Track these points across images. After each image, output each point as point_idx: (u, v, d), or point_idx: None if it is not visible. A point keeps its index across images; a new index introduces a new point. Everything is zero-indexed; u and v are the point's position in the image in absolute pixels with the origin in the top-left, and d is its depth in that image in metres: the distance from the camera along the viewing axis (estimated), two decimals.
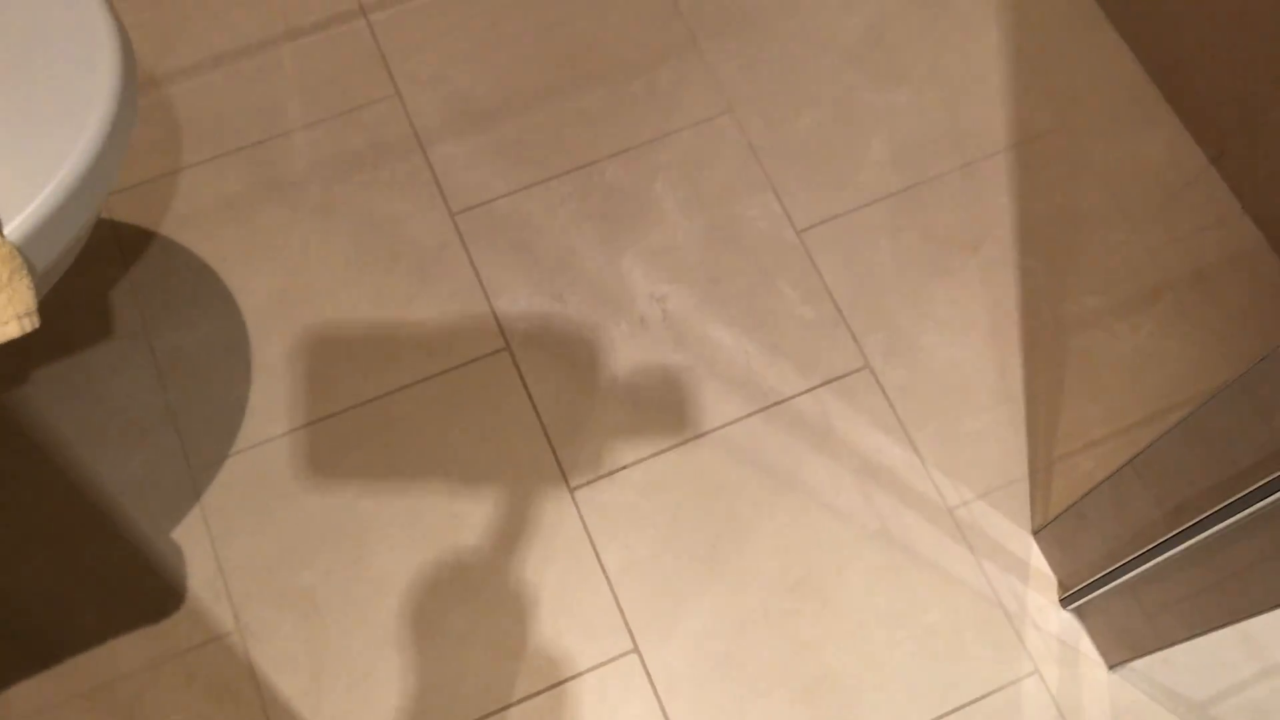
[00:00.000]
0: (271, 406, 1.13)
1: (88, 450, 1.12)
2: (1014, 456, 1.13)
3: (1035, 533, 1.10)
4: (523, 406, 1.14)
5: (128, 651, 1.04)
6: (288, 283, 1.19)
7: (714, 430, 1.14)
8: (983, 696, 1.05)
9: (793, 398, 1.15)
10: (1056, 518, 1.06)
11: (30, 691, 1.03)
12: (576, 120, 1.27)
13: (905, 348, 1.17)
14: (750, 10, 1.32)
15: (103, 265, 1.19)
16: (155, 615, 1.06)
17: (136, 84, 0.77)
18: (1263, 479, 0.73)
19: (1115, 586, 0.99)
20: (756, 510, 1.11)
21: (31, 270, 0.68)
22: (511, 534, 1.09)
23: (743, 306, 1.19)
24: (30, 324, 0.65)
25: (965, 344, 1.17)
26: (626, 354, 1.17)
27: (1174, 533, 0.85)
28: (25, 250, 0.68)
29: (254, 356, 1.16)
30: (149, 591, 1.06)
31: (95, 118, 0.71)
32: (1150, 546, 0.89)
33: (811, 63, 1.30)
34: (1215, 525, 0.80)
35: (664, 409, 1.14)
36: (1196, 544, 0.85)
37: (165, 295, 1.18)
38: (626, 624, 1.06)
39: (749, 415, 1.14)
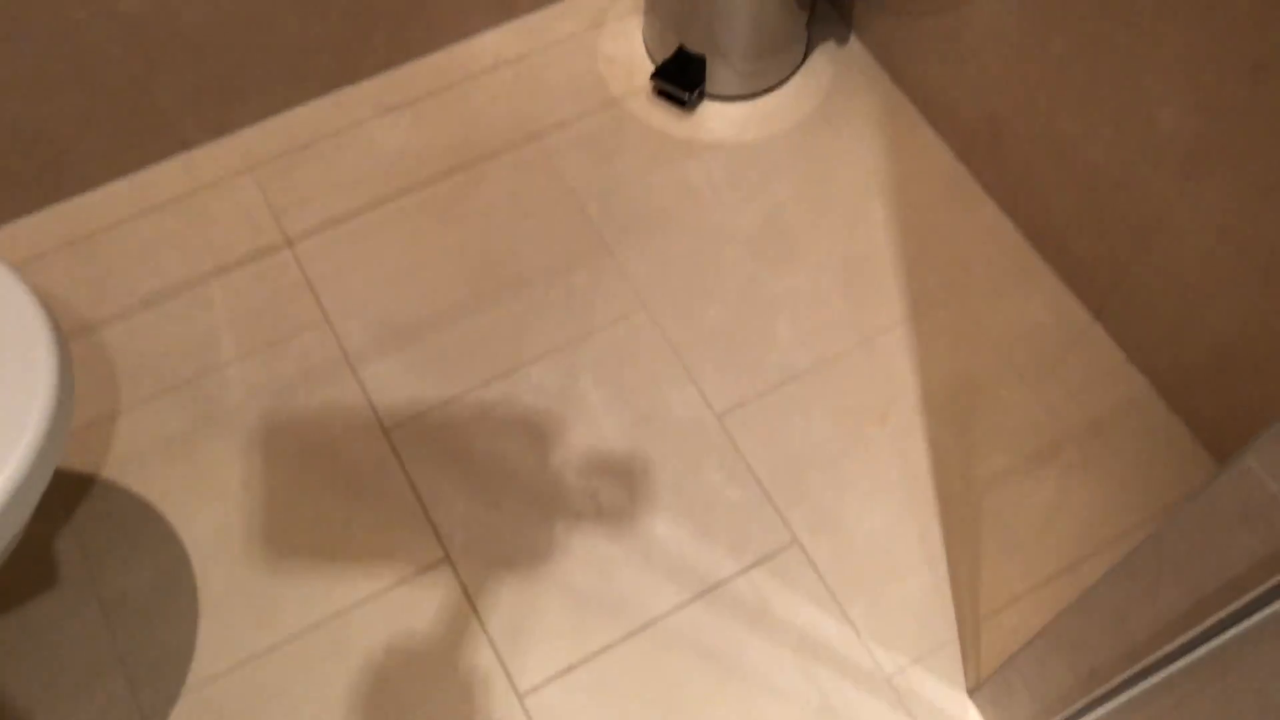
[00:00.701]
0: (220, 642, 1.15)
1: (38, 702, 1.12)
2: (943, 618, 1.18)
3: (970, 692, 1.14)
4: (466, 616, 1.17)
5: None
6: (229, 516, 1.22)
7: (655, 621, 1.17)
8: None
9: (728, 580, 1.20)
10: (988, 678, 1.11)
11: None
12: (500, 329, 1.33)
13: (829, 521, 1.22)
14: (654, 211, 1.41)
15: (44, 514, 1.21)
16: None
17: (72, 396, 0.81)
18: (1157, 652, 0.78)
19: None
20: (703, 699, 1.14)
21: None
22: None
23: (672, 494, 1.24)
24: None
25: (885, 512, 1.23)
26: (564, 552, 1.21)
27: (1091, 697, 0.90)
28: None
29: (200, 592, 1.18)
30: None
31: (28, 436, 0.75)
32: (1073, 710, 0.94)
33: (715, 255, 1.38)
34: (1126, 692, 0.85)
35: (605, 604, 1.18)
36: (1119, 704, 0.90)
37: (108, 539, 1.21)
38: None
39: (688, 603, 1.18)
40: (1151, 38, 1.08)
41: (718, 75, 1.46)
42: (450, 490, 1.24)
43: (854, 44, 1.53)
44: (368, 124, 1.46)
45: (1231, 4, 0.99)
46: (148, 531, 1.21)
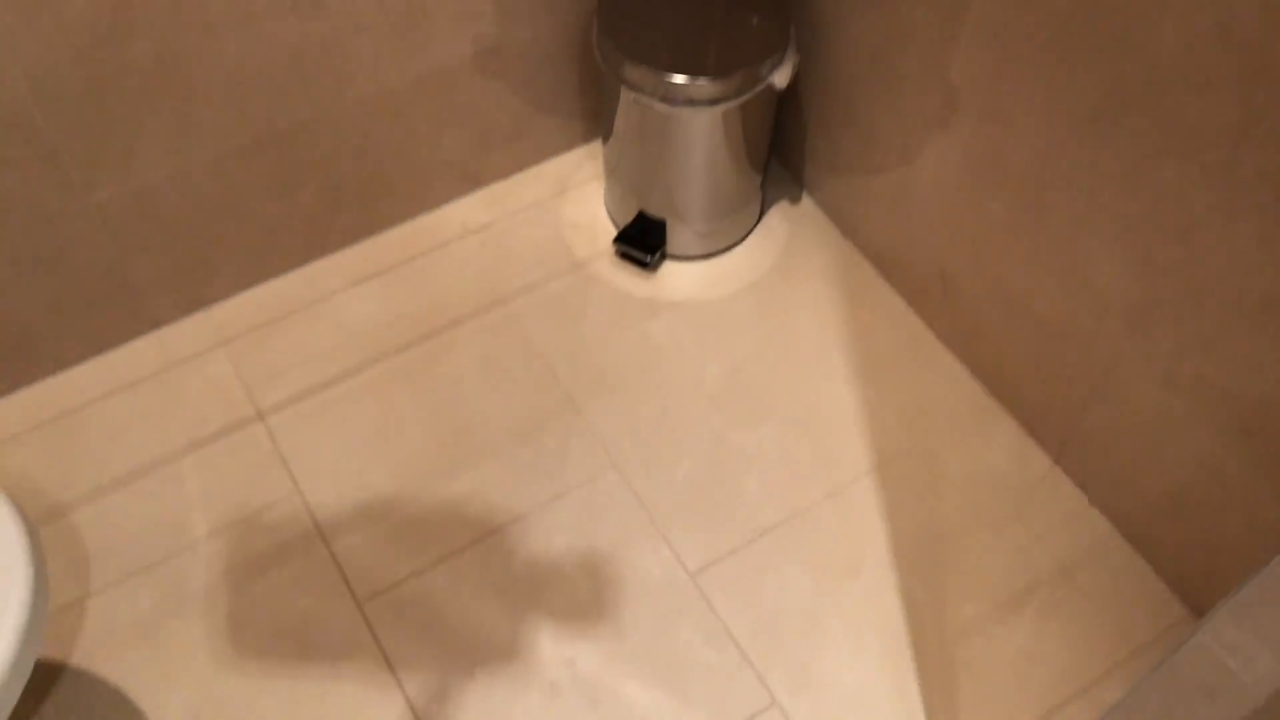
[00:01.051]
0: None
1: None
2: None
3: None
4: None
5: None
6: (202, 699, 1.20)
7: None
8: None
9: None
10: None
11: None
12: (472, 494, 1.34)
13: (807, 679, 1.23)
14: (620, 370, 1.44)
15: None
16: None
17: (47, 597, 0.82)
18: None
19: None
20: None
21: None
22: None
23: (649, 657, 1.24)
24: None
25: (862, 668, 1.23)
26: None
27: None
28: None
29: None
30: None
31: (3, 646, 0.76)
32: None
33: (682, 412, 1.41)
34: None
35: None
36: None
37: None
38: None
39: None
40: (1086, 203, 1.14)
41: (677, 237, 1.51)
42: (425, 662, 1.23)
43: (806, 203, 1.59)
44: (338, 295, 1.49)
45: (1158, 174, 1.05)
46: (119, 719, 1.19)
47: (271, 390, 1.41)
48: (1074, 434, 1.32)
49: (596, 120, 1.61)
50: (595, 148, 1.64)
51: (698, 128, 1.35)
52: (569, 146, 1.63)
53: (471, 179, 1.57)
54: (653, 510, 1.34)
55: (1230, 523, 1.17)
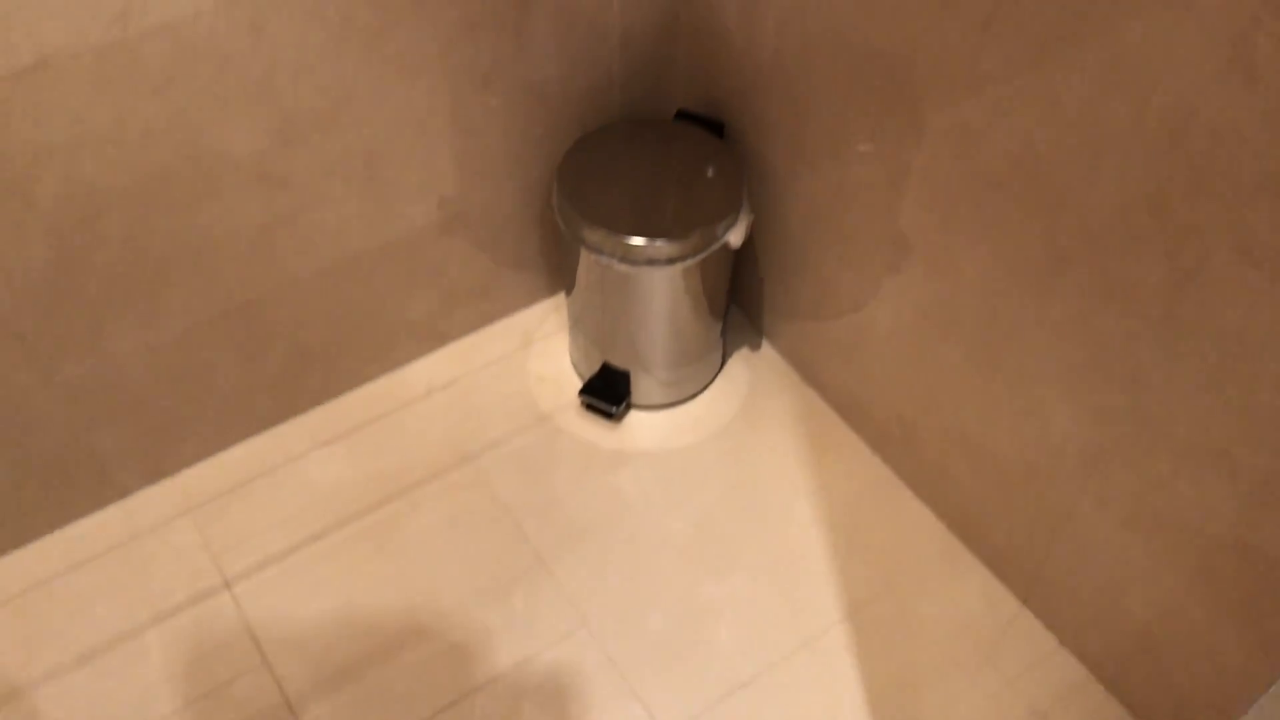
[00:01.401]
0: None
1: None
2: None
3: None
4: None
5: None
6: None
7: None
8: None
9: None
10: None
11: None
12: (441, 660, 1.33)
13: None
14: (589, 523, 1.44)
15: None
16: None
17: None
18: None
19: None
20: None
21: None
22: None
23: None
24: None
25: None
26: None
27: None
28: None
29: None
30: None
31: None
32: None
33: (651, 564, 1.41)
34: None
35: None
36: None
37: None
38: None
39: None
40: (1036, 351, 1.18)
41: (641, 387, 1.54)
42: None
43: (766, 349, 1.63)
44: (304, 458, 1.49)
45: (1102, 325, 1.08)
46: None
47: (238, 557, 1.40)
48: (1040, 576, 1.33)
49: (559, 274, 1.65)
50: (559, 300, 1.67)
51: (657, 285, 1.39)
52: (532, 301, 1.66)
53: (437, 336, 1.60)
54: (625, 669, 1.32)
55: (1198, 665, 1.18)
